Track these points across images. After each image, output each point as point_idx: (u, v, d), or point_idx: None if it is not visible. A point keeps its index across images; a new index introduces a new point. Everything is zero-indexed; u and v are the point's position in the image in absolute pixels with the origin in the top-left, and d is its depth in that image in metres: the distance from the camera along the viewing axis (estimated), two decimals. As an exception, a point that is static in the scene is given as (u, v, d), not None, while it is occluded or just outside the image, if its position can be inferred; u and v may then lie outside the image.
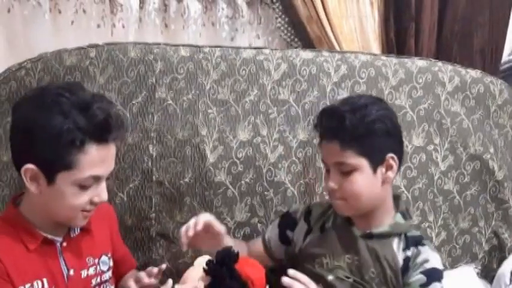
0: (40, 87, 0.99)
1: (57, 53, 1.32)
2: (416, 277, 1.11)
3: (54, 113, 0.90)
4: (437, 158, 1.39)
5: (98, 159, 0.93)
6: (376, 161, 1.06)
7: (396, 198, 1.15)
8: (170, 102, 1.31)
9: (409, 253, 1.12)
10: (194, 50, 1.34)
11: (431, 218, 1.39)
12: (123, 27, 1.74)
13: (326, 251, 1.12)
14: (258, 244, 1.26)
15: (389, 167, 1.08)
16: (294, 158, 1.34)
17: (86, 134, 0.90)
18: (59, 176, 0.92)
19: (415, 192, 1.38)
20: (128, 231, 1.30)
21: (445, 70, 1.40)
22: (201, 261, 1.00)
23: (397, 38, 1.76)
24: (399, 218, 1.14)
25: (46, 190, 0.93)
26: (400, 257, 1.11)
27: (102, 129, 0.92)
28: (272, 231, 1.25)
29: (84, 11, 1.68)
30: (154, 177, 1.30)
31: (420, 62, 1.40)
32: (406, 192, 1.35)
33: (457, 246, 1.42)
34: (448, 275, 1.34)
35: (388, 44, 1.76)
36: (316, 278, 1.09)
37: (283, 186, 1.33)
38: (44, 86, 0.98)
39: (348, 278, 1.10)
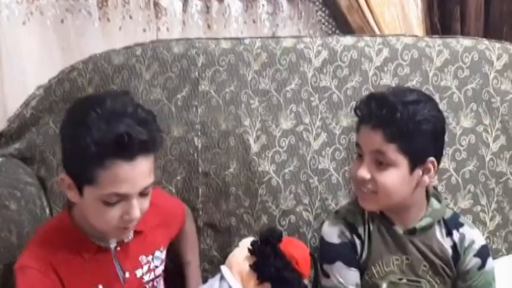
0: (77, 100, 0.99)
1: (106, 53, 1.38)
2: (472, 262, 1.09)
3: (79, 126, 0.89)
4: (488, 139, 1.34)
5: (120, 177, 0.89)
6: (415, 163, 1.02)
7: None
8: (213, 94, 1.34)
9: (454, 239, 1.09)
10: (235, 42, 1.37)
11: (484, 202, 1.33)
12: (168, 30, 1.79)
13: (375, 259, 1.09)
14: None
15: (427, 171, 1.04)
16: (337, 145, 1.33)
17: (104, 149, 0.87)
18: (85, 190, 0.91)
19: (466, 175, 1.33)
20: (176, 221, 1.33)
21: (493, 48, 1.35)
22: (246, 242, 1.01)
23: (442, 22, 1.70)
24: (435, 203, 1.11)
25: (80, 201, 0.94)
26: (447, 245, 1.09)
27: (122, 146, 0.87)
28: (348, 276, 1.08)
29: (130, 17, 1.75)
30: (200, 168, 1.33)
31: (465, 41, 1.36)
32: (455, 175, 1.30)
33: (514, 231, 1.35)
34: (505, 261, 1.29)
35: (433, 29, 1.71)
36: (373, 286, 1.09)
37: (328, 173, 1.32)
38: (79, 99, 0.98)
39: (401, 279, 1.08)
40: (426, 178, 1.04)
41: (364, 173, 1.03)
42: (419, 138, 1.00)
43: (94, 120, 0.88)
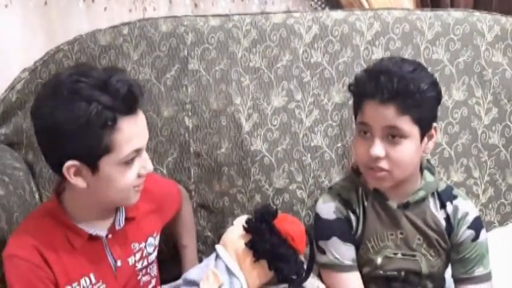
0: (51, 82, 0.92)
1: (92, 34, 1.35)
2: (465, 234, 1.08)
3: (76, 103, 0.86)
4: (480, 111, 1.33)
5: (133, 132, 0.90)
6: (425, 131, 1.01)
7: None
8: (203, 73, 1.32)
9: (447, 211, 1.09)
10: (224, 19, 1.34)
11: (476, 174, 1.33)
12: (154, 9, 1.75)
13: (369, 234, 1.08)
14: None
15: (431, 137, 1.03)
16: (330, 122, 1.31)
17: (115, 110, 0.87)
18: (101, 162, 0.89)
19: (458, 148, 1.32)
20: (169, 203, 1.31)
21: (484, 20, 1.33)
22: (241, 221, 1.00)
23: (432, -5, 1.70)
24: (428, 176, 1.10)
25: (92, 180, 0.91)
26: (441, 217, 1.09)
27: (129, 101, 0.89)
28: (344, 252, 1.08)
29: (116, -3, 1.72)
30: (191, 149, 1.31)
31: (456, 14, 1.34)
32: (448, 148, 1.30)
33: (506, 203, 1.35)
34: (497, 233, 1.30)
35: (423, 2, 1.70)
36: (368, 261, 1.09)
37: (320, 150, 1.31)
38: (55, 80, 0.91)
39: (396, 254, 1.08)
40: (430, 144, 1.04)
41: (379, 150, 0.98)
42: (428, 106, 1.00)
43: (88, 92, 0.86)
